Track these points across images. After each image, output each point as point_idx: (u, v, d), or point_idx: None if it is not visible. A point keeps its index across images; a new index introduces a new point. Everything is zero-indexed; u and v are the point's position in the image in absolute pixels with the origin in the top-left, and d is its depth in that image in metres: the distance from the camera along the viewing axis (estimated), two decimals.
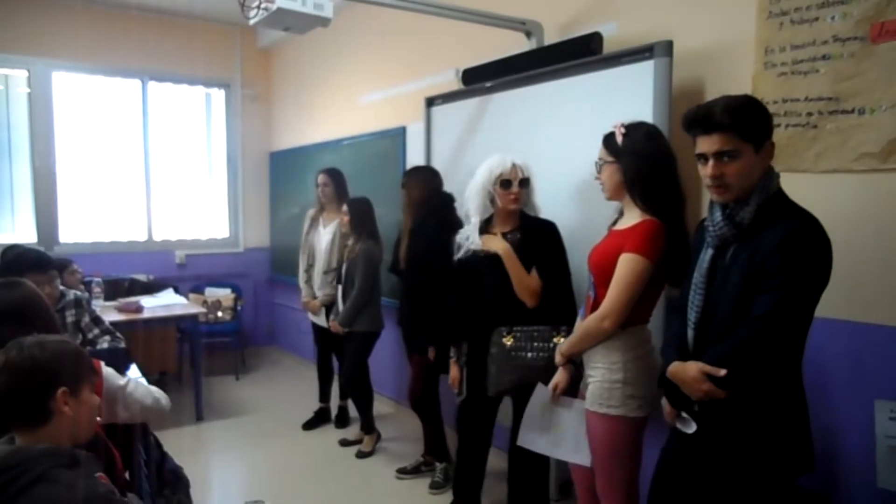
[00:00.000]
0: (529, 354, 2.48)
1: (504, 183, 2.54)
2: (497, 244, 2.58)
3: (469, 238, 2.64)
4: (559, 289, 2.54)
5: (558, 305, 2.51)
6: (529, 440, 2.35)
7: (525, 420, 2.34)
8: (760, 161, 1.65)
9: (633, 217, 2.07)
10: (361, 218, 3.78)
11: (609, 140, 2.11)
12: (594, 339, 2.09)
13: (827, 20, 2.17)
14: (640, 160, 2.02)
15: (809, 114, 2.23)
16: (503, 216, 2.61)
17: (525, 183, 2.57)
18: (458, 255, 2.68)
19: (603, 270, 2.07)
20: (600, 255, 2.11)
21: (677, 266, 1.98)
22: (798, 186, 1.99)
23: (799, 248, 1.56)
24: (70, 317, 2.93)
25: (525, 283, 2.54)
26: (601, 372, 2.09)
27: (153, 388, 2.29)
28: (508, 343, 2.51)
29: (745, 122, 1.62)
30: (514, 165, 2.55)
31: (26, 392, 1.41)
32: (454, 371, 2.84)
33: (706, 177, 1.68)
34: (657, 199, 2.01)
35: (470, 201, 2.62)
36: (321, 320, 4.21)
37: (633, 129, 2.07)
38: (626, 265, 1.99)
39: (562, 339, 2.38)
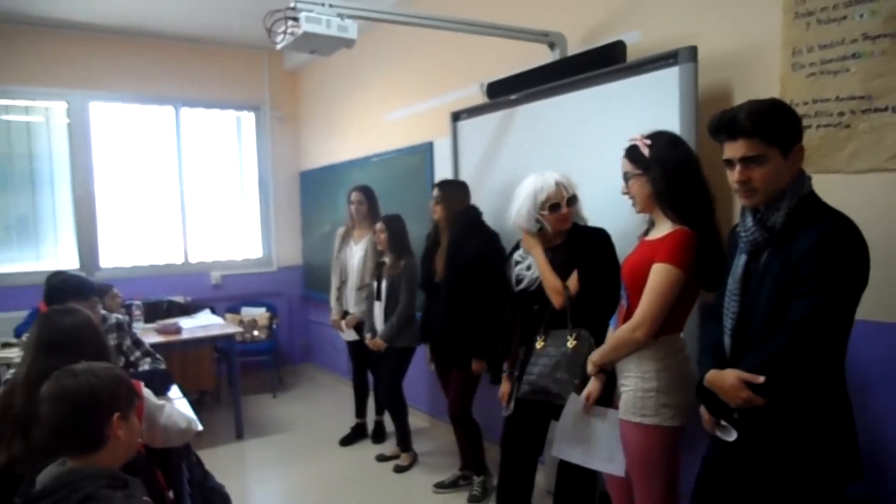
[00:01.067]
0: (542, 360, 2.47)
1: (553, 207, 2.47)
2: (535, 249, 2.55)
3: (530, 268, 2.59)
4: (591, 293, 2.46)
5: (584, 308, 2.45)
6: (564, 451, 2.34)
7: (559, 430, 2.33)
8: (789, 165, 1.63)
9: (663, 227, 2.06)
10: (399, 235, 3.83)
11: (634, 153, 2.09)
12: (626, 350, 2.08)
13: (855, 18, 2.14)
14: (667, 170, 2.01)
15: (841, 113, 2.20)
16: (553, 232, 2.56)
17: (573, 200, 2.51)
18: (520, 286, 2.62)
19: (635, 281, 2.06)
20: (632, 265, 2.11)
21: (712, 272, 1.96)
22: (832, 188, 1.96)
23: (833, 251, 1.53)
24: (112, 340, 3.00)
25: (549, 280, 2.49)
26: (634, 381, 2.07)
27: (186, 412, 2.35)
28: (539, 346, 2.50)
29: (770, 126, 1.60)
30: (557, 185, 2.47)
31: (85, 420, 1.44)
32: (505, 385, 2.79)
33: (733, 182, 1.67)
34: (687, 208, 2.00)
35: (519, 226, 2.58)
36: (350, 335, 4.25)
37: (657, 139, 2.06)
38: (658, 275, 1.98)
39: (575, 342, 2.38)
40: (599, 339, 2.29)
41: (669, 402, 2.02)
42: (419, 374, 4.38)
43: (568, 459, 2.34)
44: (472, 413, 3.46)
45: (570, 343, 2.38)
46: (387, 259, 3.86)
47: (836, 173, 2.20)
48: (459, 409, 3.42)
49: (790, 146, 1.62)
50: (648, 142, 2.05)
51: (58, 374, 1.49)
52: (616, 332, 2.12)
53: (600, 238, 2.54)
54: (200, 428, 2.37)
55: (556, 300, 2.47)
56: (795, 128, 1.65)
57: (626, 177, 2.13)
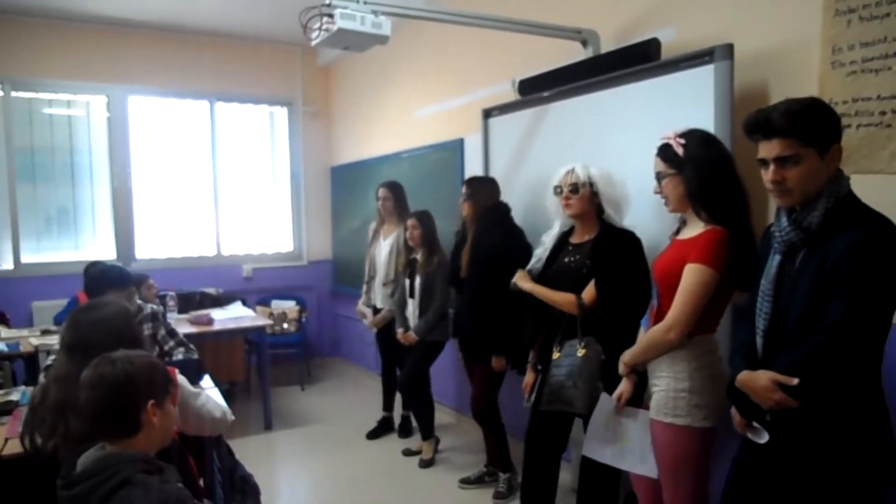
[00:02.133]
0: (557, 370, 2.52)
1: (555, 189, 2.60)
2: (524, 284, 2.70)
3: (539, 259, 2.74)
4: (610, 299, 2.46)
5: (604, 314, 2.46)
6: (595, 451, 2.33)
7: (590, 431, 2.33)
8: (826, 165, 1.60)
9: (696, 226, 2.04)
10: (431, 231, 3.85)
11: (667, 151, 2.07)
12: (659, 350, 2.06)
13: None
14: (701, 170, 1.99)
15: (883, 112, 2.15)
16: (579, 225, 2.63)
17: (575, 189, 2.54)
18: (533, 270, 2.76)
19: (667, 281, 2.04)
20: (664, 265, 2.09)
21: (745, 272, 1.93)
22: (873, 188, 1.92)
23: (872, 253, 1.50)
24: (147, 330, 3.07)
25: (558, 299, 2.57)
26: (666, 381, 2.06)
27: (221, 402, 2.39)
28: (555, 357, 2.55)
29: (805, 126, 1.58)
30: (566, 173, 2.57)
31: (121, 406, 1.49)
32: (529, 376, 2.81)
33: (768, 181, 1.65)
34: (721, 207, 1.98)
35: (548, 208, 2.72)
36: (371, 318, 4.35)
37: (690, 138, 2.04)
38: (692, 276, 1.96)
39: (584, 350, 2.40)
40: (628, 343, 2.26)
41: (701, 403, 2.00)
42: (446, 369, 4.40)
43: (599, 459, 2.33)
44: (497, 409, 3.46)
45: (580, 352, 2.42)
46: (418, 256, 3.87)
47: (877, 173, 2.15)
48: (482, 405, 3.43)
49: (827, 146, 1.59)
50: (682, 141, 2.03)
51: (97, 360, 1.54)
52: (648, 333, 2.10)
53: (625, 240, 2.52)
54: (233, 418, 2.41)
55: (572, 311, 2.52)
56: (833, 127, 1.62)
57: (660, 176, 2.11)
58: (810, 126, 1.58)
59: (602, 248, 2.52)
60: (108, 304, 2.06)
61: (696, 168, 1.99)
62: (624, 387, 2.24)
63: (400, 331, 3.96)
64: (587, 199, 2.55)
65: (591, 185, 2.54)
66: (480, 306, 3.29)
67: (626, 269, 2.47)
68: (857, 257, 1.51)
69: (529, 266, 2.81)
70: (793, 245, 1.66)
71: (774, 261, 1.71)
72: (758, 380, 1.64)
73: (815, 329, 1.56)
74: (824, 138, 1.59)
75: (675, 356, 2.05)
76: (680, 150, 2.03)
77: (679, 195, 2.06)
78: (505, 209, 3.35)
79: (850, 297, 1.51)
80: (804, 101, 1.63)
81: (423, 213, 3.91)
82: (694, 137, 2.04)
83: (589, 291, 2.50)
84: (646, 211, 2.58)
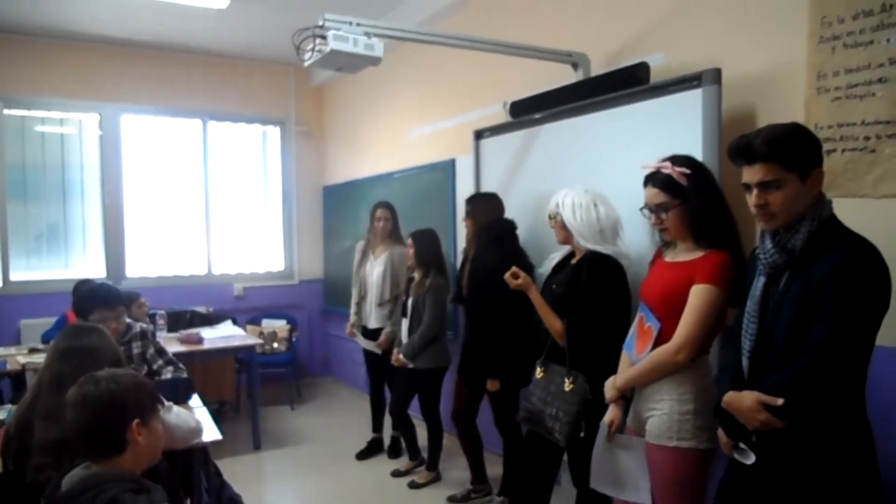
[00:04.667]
0: (539, 392, 2.53)
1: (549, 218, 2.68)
2: (531, 292, 2.67)
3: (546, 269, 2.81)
4: (574, 330, 2.47)
5: (574, 347, 2.46)
6: (597, 482, 2.28)
7: (594, 462, 2.28)
8: (808, 189, 1.63)
9: (691, 250, 2.06)
10: (428, 251, 3.76)
11: (667, 181, 2.05)
12: (665, 372, 2.04)
13: (882, 43, 2.13)
14: (705, 197, 2.00)
15: (867, 138, 2.18)
16: (574, 249, 2.65)
17: (551, 218, 2.65)
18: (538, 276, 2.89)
19: (670, 303, 2.04)
20: (663, 287, 2.08)
21: (739, 294, 1.94)
22: (857, 212, 1.95)
23: (854, 275, 1.53)
24: (136, 348, 3.05)
25: (549, 322, 2.57)
26: (669, 404, 2.04)
27: (192, 416, 2.42)
28: (538, 376, 2.57)
29: (786, 152, 1.61)
30: (554, 202, 2.63)
31: (106, 425, 1.48)
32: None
33: (752, 206, 1.68)
34: (722, 233, 2.00)
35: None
36: (369, 344, 4.28)
37: (687, 166, 2.04)
38: (701, 296, 1.97)
39: (572, 386, 2.39)
40: (609, 371, 2.27)
41: (704, 425, 1.99)
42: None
43: (604, 492, 2.29)
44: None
45: (567, 386, 2.41)
46: (415, 275, 3.83)
47: (861, 197, 2.18)
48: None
49: (808, 171, 1.62)
50: (686, 170, 2.03)
51: (82, 380, 1.54)
52: (653, 355, 2.06)
53: (593, 268, 2.48)
54: (215, 434, 2.39)
55: (558, 339, 2.54)
56: (814, 152, 1.65)
57: (661, 207, 2.08)
58: (791, 151, 1.61)
59: (575, 274, 2.54)
60: (91, 331, 2.08)
61: (702, 197, 2.00)
62: (613, 413, 2.21)
63: (395, 351, 3.89)
64: (560, 227, 2.60)
65: (559, 213, 2.60)
66: (478, 326, 3.29)
67: (591, 295, 2.46)
68: (840, 279, 1.53)
69: (540, 269, 2.85)
70: (777, 267, 1.68)
71: (759, 282, 1.73)
72: (743, 400, 1.66)
73: (799, 350, 1.58)
74: (805, 163, 1.62)
75: (679, 378, 2.03)
76: (683, 180, 2.03)
77: (682, 224, 2.06)
78: (507, 227, 3.30)
79: (834, 317, 1.53)
80: (786, 127, 1.66)
81: (422, 232, 3.83)
82: (690, 165, 2.05)
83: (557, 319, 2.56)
84: (636, 230, 2.60)
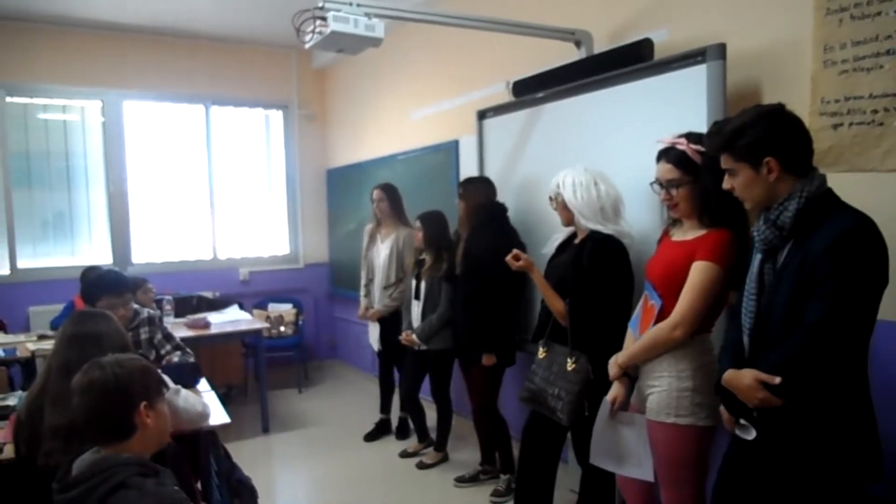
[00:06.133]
0: (542, 371, 2.53)
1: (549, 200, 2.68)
2: (533, 273, 2.67)
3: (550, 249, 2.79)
4: (577, 311, 2.47)
5: (576, 328, 2.46)
6: (598, 458, 2.30)
7: (594, 438, 2.30)
8: (763, 176, 1.65)
9: (696, 228, 2.05)
10: (438, 233, 3.76)
11: (681, 157, 2.05)
12: (663, 349, 2.05)
13: (890, 13, 2.10)
14: (718, 175, 1.98)
15: (875, 111, 2.16)
16: (578, 229, 2.64)
17: (553, 199, 2.64)
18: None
19: (671, 281, 2.04)
20: (665, 265, 2.08)
21: (741, 274, 1.94)
22: (865, 186, 1.93)
23: (850, 252, 1.52)
24: (144, 334, 3.07)
25: (552, 303, 2.57)
26: (668, 381, 2.05)
27: (211, 403, 2.43)
28: (541, 356, 2.57)
29: (734, 144, 1.67)
30: (555, 183, 2.62)
31: (113, 409, 1.49)
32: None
33: None
34: (730, 212, 1.99)
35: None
36: (375, 342, 4.33)
37: (700, 143, 2.02)
38: (700, 273, 1.97)
39: (574, 365, 2.39)
40: (612, 350, 2.27)
41: (703, 402, 2.00)
42: None
43: (604, 468, 2.31)
44: (497, 408, 3.47)
45: (570, 366, 2.42)
46: (426, 257, 3.81)
47: (869, 171, 2.16)
48: (484, 405, 3.43)
49: (758, 161, 1.65)
50: (701, 148, 2.01)
51: (87, 366, 1.54)
52: (651, 332, 2.08)
53: (594, 250, 2.47)
54: (224, 418, 2.41)
55: (560, 319, 2.54)
56: (768, 142, 1.64)
57: (672, 183, 2.07)
58: (738, 144, 1.66)
59: (577, 255, 2.53)
60: (97, 317, 2.09)
61: (713, 176, 1.98)
62: (617, 390, 2.22)
63: (405, 333, 3.90)
64: (563, 208, 2.59)
65: (560, 194, 2.58)
66: (472, 304, 3.31)
67: (593, 276, 2.45)
68: (835, 256, 1.53)
69: (544, 250, 2.82)
70: (770, 243, 1.69)
71: (756, 260, 1.74)
72: (742, 378, 1.66)
73: (795, 328, 1.58)
74: (753, 154, 1.65)
75: (677, 355, 2.04)
76: (697, 158, 2.02)
77: (693, 201, 2.06)
78: (499, 209, 3.36)
79: (829, 296, 1.53)
80: (746, 117, 1.68)
81: (430, 213, 3.82)
82: (704, 143, 2.03)
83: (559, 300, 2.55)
84: (640, 208, 2.59)
